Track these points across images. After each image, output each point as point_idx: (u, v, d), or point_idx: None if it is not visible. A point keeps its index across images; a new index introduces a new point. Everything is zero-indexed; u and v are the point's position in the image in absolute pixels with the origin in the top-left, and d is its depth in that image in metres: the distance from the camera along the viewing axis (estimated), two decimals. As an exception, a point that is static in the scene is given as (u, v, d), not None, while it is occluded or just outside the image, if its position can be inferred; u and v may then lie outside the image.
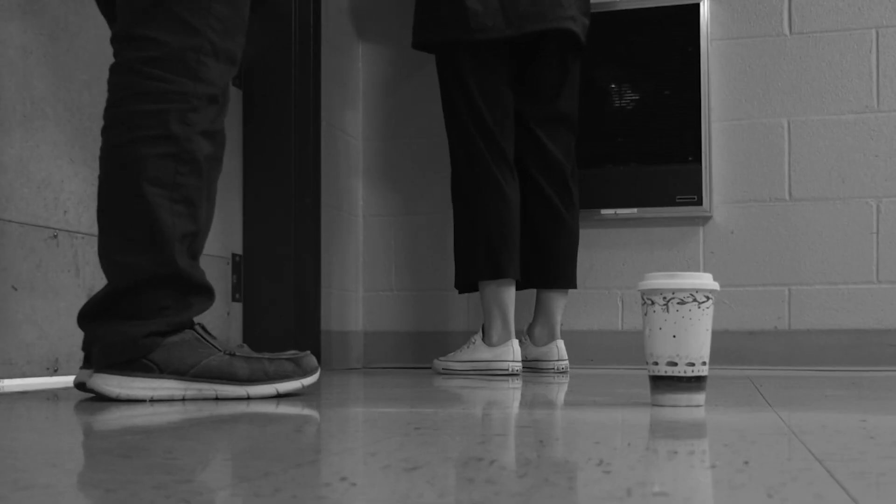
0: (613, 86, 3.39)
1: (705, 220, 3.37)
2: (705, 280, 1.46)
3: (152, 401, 1.59)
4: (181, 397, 1.63)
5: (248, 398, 1.66)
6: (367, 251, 3.62)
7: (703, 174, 3.29)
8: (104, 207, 1.67)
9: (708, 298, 1.46)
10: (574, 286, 2.96)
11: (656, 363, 1.48)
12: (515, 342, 2.79)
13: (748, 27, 3.38)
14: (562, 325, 3.38)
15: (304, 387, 1.75)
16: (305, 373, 1.75)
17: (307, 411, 1.45)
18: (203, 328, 1.69)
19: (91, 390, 1.63)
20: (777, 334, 3.30)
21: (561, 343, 2.93)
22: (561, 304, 2.96)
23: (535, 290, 3.01)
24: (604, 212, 3.36)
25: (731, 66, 3.38)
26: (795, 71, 3.33)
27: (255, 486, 0.70)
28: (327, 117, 3.37)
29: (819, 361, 3.24)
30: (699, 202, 3.27)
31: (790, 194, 3.31)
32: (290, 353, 1.77)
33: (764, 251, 3.32)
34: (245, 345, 1.82)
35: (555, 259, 2.90)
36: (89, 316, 1.68)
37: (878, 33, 3.28)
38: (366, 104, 3.68)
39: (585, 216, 3.35)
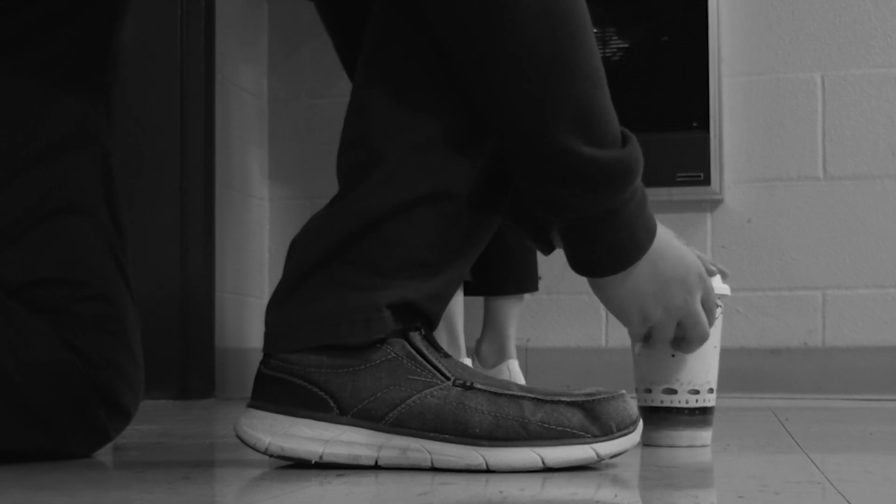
0: (595, 30, 3.40)
1: (714, 204, 3.39)
2: (714, 283, 1.48)
3: (321, 462, 1.17)
4: (371, 461, 1.18)
5: (488, 470, 1.15)
6: (275, 245, 3.60)
7: (711, 145, 3.31)
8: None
9: (717, 306, 1.48)
10: (533, 289, 2.89)
11: (649, 390, 1.49)
12: (468, 361, 2.76)
13: (771, -45, 3.40)
14: (528, 340, 3.39)
15: (599, 458, 1.18)
16: (605, 431, 1.18)
17: (198, 452, 1.45)
18: (425, 336, 1.24)
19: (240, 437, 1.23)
20: (808, 353, 3.33)
21: (514, 363, 2.83)
22: (514, 314, 2.88)
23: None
24: (584, 194, 3.38)
25: (748, 4, 3.40)
26: (832, 11, 3.35)
27: (130, 550, 0.71)
28: (223, 71, 3.36)
29: (861, 388, 3.27)
30: (706, 181, 3.29)
31: (825, 171, 3.34)
32: (587, 391, 1.21)
33: (791, 245, 3.35)
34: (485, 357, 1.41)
35: (503, 256, 2.79)
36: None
37: (936, -36, 3.31)
38: (273, 55, 3.67)
39: (560, 199, 3.35)
